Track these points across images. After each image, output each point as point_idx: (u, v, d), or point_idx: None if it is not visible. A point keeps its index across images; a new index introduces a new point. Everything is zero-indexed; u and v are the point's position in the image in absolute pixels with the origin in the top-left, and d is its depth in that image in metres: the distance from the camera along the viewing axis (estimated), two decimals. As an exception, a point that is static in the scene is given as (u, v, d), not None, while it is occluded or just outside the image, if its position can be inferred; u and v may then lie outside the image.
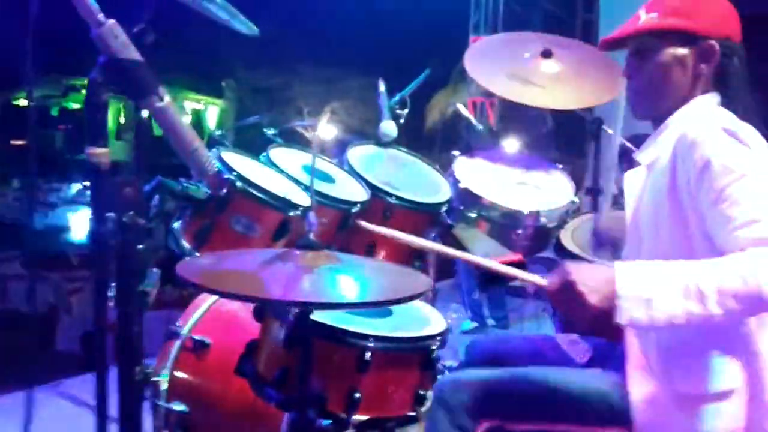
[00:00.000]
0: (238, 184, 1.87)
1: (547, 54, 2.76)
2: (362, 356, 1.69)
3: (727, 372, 1.51)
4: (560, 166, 2.79)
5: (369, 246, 2.43)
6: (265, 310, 1.86)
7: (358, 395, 1.71)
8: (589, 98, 2.80)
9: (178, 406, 2.16)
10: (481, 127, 2.95)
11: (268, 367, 1.80)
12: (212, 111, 14.02)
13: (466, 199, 2.58)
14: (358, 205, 2.21)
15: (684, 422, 1.51)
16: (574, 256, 2.42)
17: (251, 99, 13.28)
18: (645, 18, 1.67)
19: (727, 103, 1.63)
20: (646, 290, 1.34)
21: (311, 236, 1.43)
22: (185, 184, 1.78)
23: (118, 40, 1.23)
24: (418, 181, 2.60)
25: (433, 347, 1.80)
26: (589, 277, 1.38)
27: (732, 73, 1.63)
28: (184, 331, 2.26)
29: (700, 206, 1.47)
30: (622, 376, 1.59)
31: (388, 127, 2.66)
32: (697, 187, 1.47)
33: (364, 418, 1.74)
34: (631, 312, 1.34)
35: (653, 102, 1.68)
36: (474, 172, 2.69)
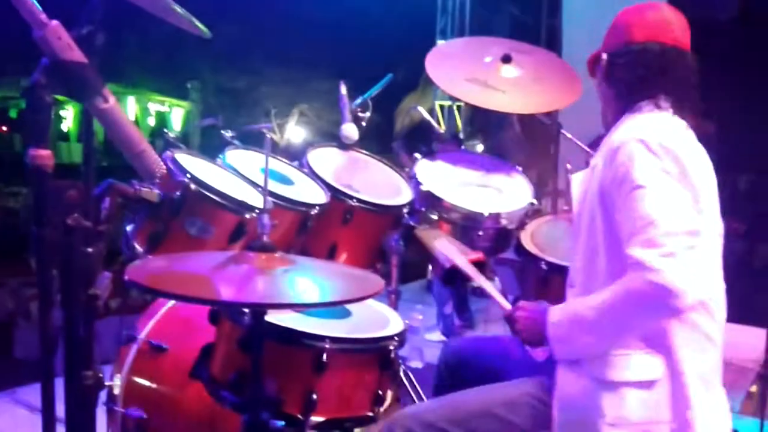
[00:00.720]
0: (192, 186, 1.85)
1: (506, 59, 2.78)
2: (319, 357, 1.69)
3: (648, 364, 1.61)
4: (520, 168, 2.81)
5: (330, 249, 2.42)
6: (219, 313, 1.85)
7: (315, 396, 1.70)
8: (548, 103, 2.83)
9: (136, 412, 2.13)
10: (442, 130, 2.96)
11: (224, 370, 1.78)
12: (177, 113, 13.87)
13: (428, 201, 2.59)
14: (317, 207, 2.20)
15: (608, 407, 1.60)
16: (533, 257, 2.45)
17: (218, 101, 13.16)
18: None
19: (677, 103, 1.73)
20: (566, 334, 1.67)
21: (265, 238, 1.42)
22: (138, 187, 1.76)
23: (62, 41, 1.21)
24: (379, 183, 2.60)
25: (391, 347, 1.80)
26: (526, 322, 1.77)
27: (640, 73, 1.76)
28: (141, 335, 2.24)
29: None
30: (551, 376, 1.71)
31: (349, 130, 2.65)
32: (611, 193, 1.61)
33: (321, 419, 1.73)
34: (558, 351, 1.69)
35: (603, 117, 1.89)
36: (436, 175, 2.70)
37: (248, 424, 1.54)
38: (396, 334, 1.83)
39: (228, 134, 2.27)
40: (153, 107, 13.66)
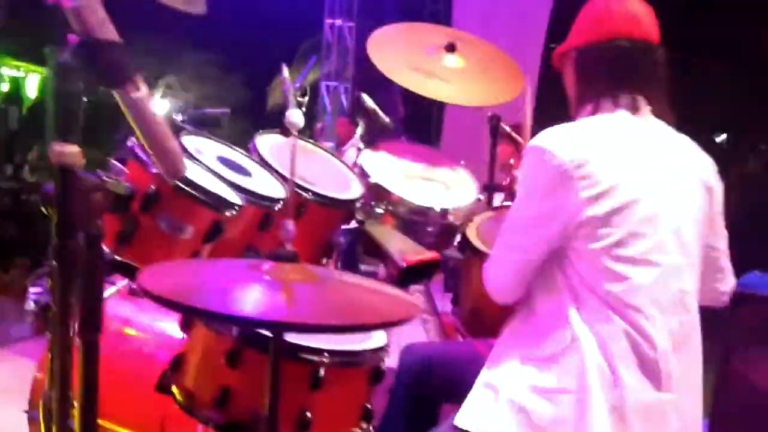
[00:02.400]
0: (169, 179, 1.63)
1: (450, 48, 2.73)
2: (316, 373, 1.56)
3: (558, 341, 1.63)
4: (463, 162, 2.78)
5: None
6: (193, 320, 1.67)
7: (308, 414, 1.57)
8: (492, 96, 2.81)
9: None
10: (387, 119, 2.86)
11: (204, 385, 1.61)
12: (33, 79, 12.58)
13: (375, 193, 2.50)
14: (280, 201, 2.04)
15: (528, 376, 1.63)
16: (482, 254, 2.43)
17: (78, 68, 12.09)
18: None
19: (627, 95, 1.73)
20: None
21: (289, 246, 1.27)
22: (104, 178, 1.52)
23: (98, 16, 0.99)
24: (329, 174, 2.46)
25: (384, 359, 1.70)
26: None
27: (600, 68, 1.75)
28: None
29: None
30: None
31: (295, 116, 2.48)
32: None
33: (312, 438, 1.61)
34: None
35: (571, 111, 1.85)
36: (381, 166, 2.60)
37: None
38: (386, 345, 1.73)
39: (179, 118, 2.05)
40: (6, 72, 12.29)
